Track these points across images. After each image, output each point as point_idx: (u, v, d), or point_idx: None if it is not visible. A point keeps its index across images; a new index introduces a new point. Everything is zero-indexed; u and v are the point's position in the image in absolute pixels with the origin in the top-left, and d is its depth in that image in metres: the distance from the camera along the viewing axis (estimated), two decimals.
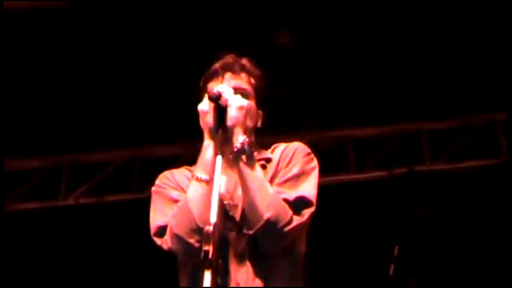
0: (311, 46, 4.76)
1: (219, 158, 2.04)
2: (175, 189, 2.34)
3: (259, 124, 2.43)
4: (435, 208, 5.49)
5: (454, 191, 5.42)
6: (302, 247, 2.32)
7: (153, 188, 2.39)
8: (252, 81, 2.40)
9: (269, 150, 2.42)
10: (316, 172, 2.34)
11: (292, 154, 2.35)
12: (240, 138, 2.20)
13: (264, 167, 2.32)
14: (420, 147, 5.52)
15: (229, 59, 2.40)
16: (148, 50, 4.73)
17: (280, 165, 2.33)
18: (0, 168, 4.72)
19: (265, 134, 2.51)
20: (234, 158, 2.20)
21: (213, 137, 2.21)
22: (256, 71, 2.42)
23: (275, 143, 2.47)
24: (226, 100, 2.22)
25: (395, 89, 5.11)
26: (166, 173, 2.42)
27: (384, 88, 5.09)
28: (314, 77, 4.93)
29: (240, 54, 2.44)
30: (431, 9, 4.58)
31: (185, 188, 2.30)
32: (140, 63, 4.80)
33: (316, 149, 5.12)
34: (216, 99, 2.20)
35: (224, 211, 2.19)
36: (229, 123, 2.20)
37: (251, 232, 2.16)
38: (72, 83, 4.96)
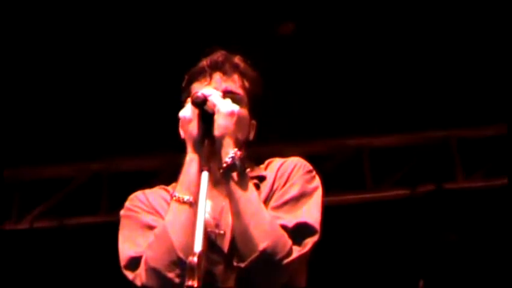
0: (319, 39, 4.80)
1: (205, 174, 2.04)
2: (150, 213, 2.34)
3: (251, 137, 2.42)
4: (468, 233, 5.53)
5: (490, 213, 5.44)
6: (301, 283, 2.33)
7: (122, 212, 2.39)
8: (246, 84, 2.40)
9: (262, 167, 2.42)
10: (319, 193, 2.34)
11: (290, 172, 2.35)
12: (230, 152, 2.20)
13: (257, 186, 2.32)
14: (451, 160, 5.54)
15: (219, 56, 2.40)
16: (120, 46, 4.79)
17: (276, 185, 2.34)
18: None
19: (264, 144, 2.52)
20: (222, 176, 2.20)
21: (197, 149, 2.22)
22: (252, 73, 2.43)
23: (275, 153, 2.48)
24: (214, 105, 2.22)
25: (420, 90, 5.14)
26: (138, 193, 2.42)
27: (408, 89, 5.12)
28: (323, 75, 4.96)
29: (237, 49, 2.44)
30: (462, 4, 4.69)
31: (162, 212, 2.31)
32: (113, 61, 4.85)
33: (326, 161, 5.29)
34: (200, 104, 2.20)
35: (209, 241, 2.18)
36: (216, 133, 2.20)
37: (243, 265, 2.17)
38: (26, 87, 5.01)
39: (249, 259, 2.16)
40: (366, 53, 4.95)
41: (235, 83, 2.38)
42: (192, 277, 1.80)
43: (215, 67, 2.38)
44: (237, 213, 2.19)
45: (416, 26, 4.81)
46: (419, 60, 5.00)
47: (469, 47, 4.94)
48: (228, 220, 2.26)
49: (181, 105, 2.37)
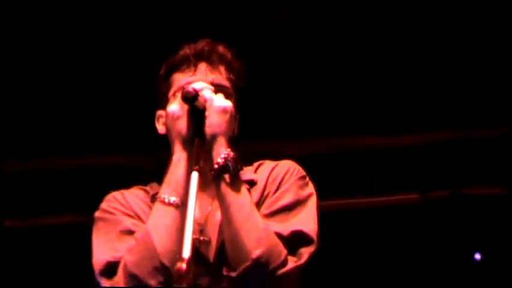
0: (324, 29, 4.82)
1: (195, 175, 2.07)
2: (129, 216, 2.36)
3: (235, 132, 2.41)
4: (488, 246, 5.57)
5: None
6: None
7: (98, 214, 2.41)
8: (232, 77, 2.43)
9: (251, 169, 2.45)
10: (314, 201, 2.39)
11: (282, 177, 2.39)
12: (222, 152, 2.23)
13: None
14: (467, 163, 5.52)
15: (205, 44, 2.42)
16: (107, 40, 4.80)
17: (267, 191, 2.37)
18: None
19: (256, 141, 2.53)
20: (213, 178, 2.24)
21: (186, 148, 2.26)
22: (237, 64, 2.45)
23: (271, 152, 2.50)
24: (205, 101, 2.26)
25: (434, 86, 5.13)
26: (115, 194, 2.44)
27: (420, 84, 5.11)
28: (328, 69, 4.96)
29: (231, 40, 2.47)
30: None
31: (142, 215, 2.35)
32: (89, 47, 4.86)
33: (327, 162, 5.25)
34: (191, 99, 2.24)
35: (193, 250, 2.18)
36: (208, 131, 2.24)
37: (234, 274, 2.20)
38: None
39: (241, 267, 2.19)
40: (374, 50, 4.95)
41: (221, 75, 2.41)
42: (180, 284, 1.81)
43: (200, 56, 2.40)
44: (228, 218, 2.22)
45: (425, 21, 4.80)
46: (426, 59, 5.00)
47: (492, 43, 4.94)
48: (214, 226, 2.31)
49: (158, 97, 2.44)
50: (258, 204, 2.33)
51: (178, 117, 2.27)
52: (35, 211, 5.53)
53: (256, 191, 2.37)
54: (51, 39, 4.80)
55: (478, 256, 5.64)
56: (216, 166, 2.23)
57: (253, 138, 2.54)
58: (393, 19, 4.75)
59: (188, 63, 2.40)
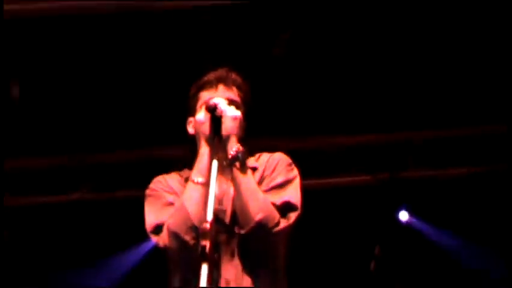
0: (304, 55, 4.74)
1: (215, 162, 2.14)
2: (169, 192, 2.41)
3: (243, 133, 2.43)
4: (418, 214, 5.57)
5: (438, 198, 5.47)
6: (281, 260, 2.40)
7: (147, 192, 2.45)
8: (241, 94, 2.48)
9: (253, 159, 2.48)
10: (298, 180, 2.43)
11: (276, 164, 2.43)
12: (234, 147, 2.30)
13: None
14: (405, 155, 5.49)
15: (223, 72, 2.48)
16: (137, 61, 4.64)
17: (265, 174, 2.41)
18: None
19: (257, 139, 2.59)
20: (228, 165, 2.30)
21: (209, 144, 2.32)
22: (245, 86, 2.51)
23: (268, 147, 2.58)
24: (222, 111, 2.32)
25: (382, 97, 5.06)
26: (159, 177, 2.48)
27: (373, 96, 5.04)
28: (302, 83, 4.90)
29: (236, 64, 2.54)
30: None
31: (178, 192, 2.39)
32: (140, 74, 4.73)
33: (306, 153, 5.28)
34: (212, 110, 2.31)
35: (214, 215, 2.13)
36: (224, 132, 2.31)
37: (243, 231, 2.28)
38: (83, 81, 4.83)
39: (248, 227, 2.26)
40: (339, 64, 4.78)
41: (234, 93, 2.46)
42: (205, 238, 1.88)
43: (220, 80, 2.46)
44: (238, 193, 2.29)
45: (383, 41, 4.61)
46: (379, 67, 4.81)
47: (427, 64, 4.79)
48: (229, 199, 2.36)
49: (187, 107, 2.49)
50: (259, 183, 2.37)
51: (203, 123, 2.35)
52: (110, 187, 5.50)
53: (258, 174, 2.42)
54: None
55: (404, 216, 5.50)
56: (230, 157, 2.30)
57: (255, 137, 2.57)
58: (363, 47, 4.60)
59: (211, 84, 2.46)
